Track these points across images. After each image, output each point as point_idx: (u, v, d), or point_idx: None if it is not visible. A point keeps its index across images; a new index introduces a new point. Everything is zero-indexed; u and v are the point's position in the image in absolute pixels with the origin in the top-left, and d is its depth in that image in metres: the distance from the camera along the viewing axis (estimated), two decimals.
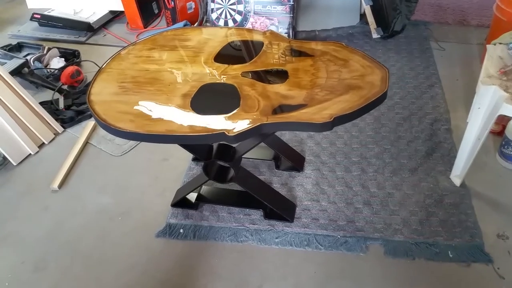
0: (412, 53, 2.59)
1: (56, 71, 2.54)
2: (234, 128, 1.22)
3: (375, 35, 2.71)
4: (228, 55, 1.59)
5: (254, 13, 2.64)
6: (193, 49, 1.62)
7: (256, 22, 2.66)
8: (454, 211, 1.67)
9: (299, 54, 1.55)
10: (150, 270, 1.56)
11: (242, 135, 1.22)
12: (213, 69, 1.50)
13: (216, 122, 1.26)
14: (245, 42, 1.65)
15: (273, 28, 2.61)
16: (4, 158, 2.03)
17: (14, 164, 2.04)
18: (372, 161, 1.90)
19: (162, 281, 1.53)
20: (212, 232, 1.66)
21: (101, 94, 1.42)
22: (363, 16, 2.85)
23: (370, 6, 2.61)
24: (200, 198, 1.74)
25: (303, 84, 1.39)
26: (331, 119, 1.21)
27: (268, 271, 1.53)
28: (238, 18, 2.70)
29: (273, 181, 1.84)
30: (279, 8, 2.60)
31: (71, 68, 2.48)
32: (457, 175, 1.77)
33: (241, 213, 1.71)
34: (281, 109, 1.29)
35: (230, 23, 2.73)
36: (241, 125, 1.24)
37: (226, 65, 1.51)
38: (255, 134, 1.26)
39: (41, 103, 2.31)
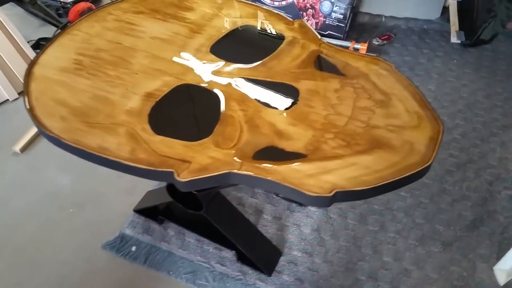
0: (495, 74, 2.00)
1: (69, 4, 2.19)
2: (188, 169, 0.83)
3: (454, 39, 2.14)
4: (230, 46, 1.16)
5: None
6: (191, 26, 1.20)
7: None
8: None
9: (326, 67, 1.10)
10: None
11: (196, 183, 0.83)
12: (203, 63, 1.08)
13: (171, 152, 0.87)
14: (259, 32, 1.21)
15: (327, 4, 2.07)
16: None
17: None
18: (398, 216, 1.45)
19: None
20: (168, 262, 1.32)
21: (47, 67, 1.06)
22: (445, 10, 2.25)
23: (458, 1, 2.02)
24: (165, 213, 1.39)
25: (312, 119, 0.95)
26: (331, 193, 0.79)
27: None
28: None
29: (264, 210, 1.45)
30: None
31: (82, 5, 2.12)
32: (504, 269, 1.29)
33: (212, 244, 1.35)
34: (267, 154, 0.88)
35: None
36: (201, 166, 0.84)
37: (223, 62, 1.09)
38: (217, 183, 0.87)
39: (40, 40, 2.01)
